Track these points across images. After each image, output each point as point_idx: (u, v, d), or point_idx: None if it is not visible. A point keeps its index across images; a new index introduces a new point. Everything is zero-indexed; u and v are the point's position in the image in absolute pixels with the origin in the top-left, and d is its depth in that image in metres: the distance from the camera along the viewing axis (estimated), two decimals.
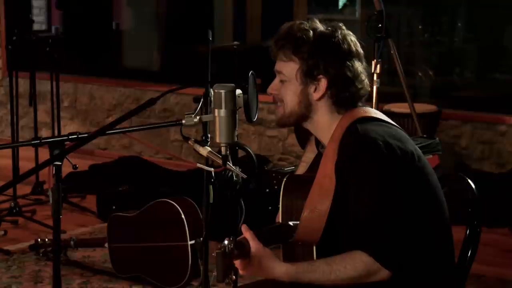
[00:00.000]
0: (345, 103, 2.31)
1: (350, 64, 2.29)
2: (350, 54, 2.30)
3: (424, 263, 2.26)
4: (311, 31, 2.29)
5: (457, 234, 2.43)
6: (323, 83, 2.29)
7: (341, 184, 2.23)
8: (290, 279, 2.21)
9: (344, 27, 2.34)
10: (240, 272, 2.22)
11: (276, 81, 2.36)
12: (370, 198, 2.18)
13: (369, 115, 2.32)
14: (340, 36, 2.29)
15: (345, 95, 2.30)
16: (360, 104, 2.35)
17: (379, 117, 2.34)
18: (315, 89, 2.30)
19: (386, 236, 2.17)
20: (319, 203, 2.24)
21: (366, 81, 2.33)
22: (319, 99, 2.31)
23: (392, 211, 2.18)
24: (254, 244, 2.18)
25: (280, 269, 2.21)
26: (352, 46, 2.31)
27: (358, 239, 2.19)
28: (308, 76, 2.29)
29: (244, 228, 2.21)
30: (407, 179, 2.22)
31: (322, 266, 2.19)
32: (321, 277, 2.19)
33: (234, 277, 2.14)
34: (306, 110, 2.33)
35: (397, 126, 2.36)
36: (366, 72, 2.34)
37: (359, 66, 2.31)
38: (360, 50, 2.33)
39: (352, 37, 2.32)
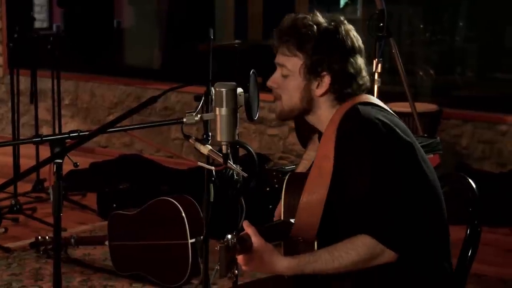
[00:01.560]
0: (347, 98, 2.32)
1: (354, 61, 2.30)
2: (354, 50, 2.30)
3: (426, 245, 2.23)
4: (315, 27, 2.29)
5: (458, 233, 2.43)
6: (327, 79, 2.29)
7: (340, 164, 2.22)
8: (293, 273, 2.21)
9: (346, 21, 2.34)
10: (243, 267, 2.21)
11: (277, 74, 2.35)
12: (369, 177, 2.18)
13: (370, 101, 2.33)
14: (343, 32, 2.30)
15: (347, 91, 2.30)
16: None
17: (381, 105, 2.35)
18: (318, 85, 2.31)
19: (387, 216, 2.16)
20: (317, 186, 2.23)
21: (367, 76, 2.34)
22: (322, 95, 2.31)
23: (392, 190, 2.17)
24: (256, 240, 2.18)
25: (282, 263, 2.20)
26: (355, 42, 2.32)
27: (358, 221, 2.19)
28: (312, 72, 2.29)
29: (246, 224, 2.20)
30: (406, 163, 2.22)
31: (324, 255, 2.19)
32: (324, 266, 2.18)
33: (236, 271, 2.15)
34: (307, 105, 2.33)
35: (398, 117, 2.36)
36: (366, 68, 2.35)
37: (361, 62, 2.32)
38: (362, 45, 2.34)
39: (354, 32, 2.34)
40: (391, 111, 2.36)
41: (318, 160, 2.27)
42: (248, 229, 2.19)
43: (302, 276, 2.23)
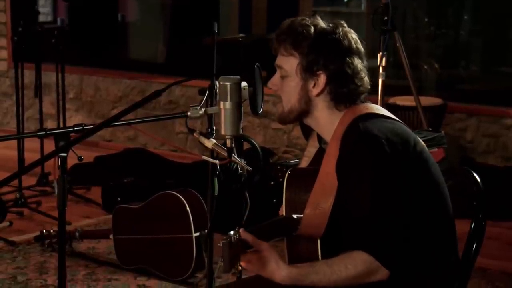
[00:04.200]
0: (344, 100, 2.31)
1: (350, 61, 2.28)
2: (350, 51, 2.29)
3: (426, 260, 2.26)
4: (312, 27, 2.29)
5: (462, 227, 2.43)
6: (322, 79, 2.29)
7: (342, 182, 2.23)
8: (291, 282, 2.20)
9: (345, 25, 2.33)
10: (243, 265, 2.21)
11: (276, 76, 2.36)
12: (370, 196, 2.18)
13: (371, 111, 2.32)
14: (341, 33, 2.29)
15: (343, 91, 2.30)
16: (359, 100, 2.35)
17: (382, 113, 2.34)
18: (314, 85, 2.30)
19: (385, 235, 2.17)
20: (321, 201, 2.24)
21: (366, 78, 2.33)
22: (318, 95, 2.31)
23: (392, 209, 2.18)
24: (259, 245, 2.18)
25: (281, 272, 2.19)
26: (353, 43, 2.30)
27: (358, 237, 2.19)
28: (308, 71, 2.29)
29: (243, 233, 2.16)
30: (408, 176, 2.22)
31: (323, 267, 2.20)
32: (322, 278, 2.19)
33: (240, 267, 2.14)
34: (306, 106, 2.33)
35: (399, 121, 2.36)
36: (367, 70, 2.34)
37: (358, 63, 2.30)
38: (361, 48, 2.33)
39: (353, 35, 2.32)
40: (392, 117, 2.35)
41: (322, 176, 2.27)
42: (248, 237, 2.16)
43: None
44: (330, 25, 2.31)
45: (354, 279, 2.18)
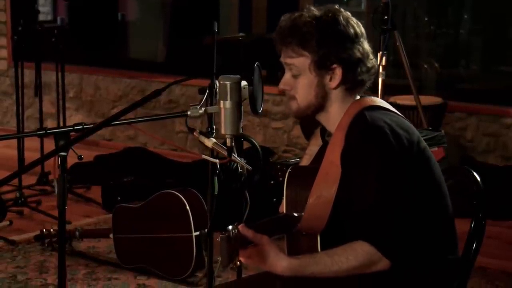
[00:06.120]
0: (360, 85, 2.33)
1: (360, 47, 2.30)
2: (357, 36, 2.30)
3: (427, 256, 2.26)
4: (314, 22, 2.28)
5: (462, 227, 2.43)
6: (338, 71, 2.29)
7: (347, 171, 2.22)
8: (292, 273, 2.20)
9: (342, 9, 2.34)
10: (242, 260, 2.21)
11: (287, 75, 2.34)
12: (374, 187, 2.19)
13: (377, 104, 2.33)
14: (343, 21, 2.29)
15: (360, 77, 2.31)
16: (367, 85, 2.36)
17: (386, 106, 2.35)
18: (331, 79, 2.30)
19: (388, 226, 2.17)
20: (324, 190, 2.24)
21: (374, 58, 2.35)
22: (336, 87, 2.31)
23: (396, 201, 2.18)
24: (259, 240, 2.17)
25: (282, 263, 2.20)
26: (356, 27, 2.31)
27: (360, 228, 2.19)
28: (322, 67, 2.29)
29: (243, 229, 2.17)
30: (412, 169, 2.22)
31: (324, 258, 2.20)
32: (323, 269, 2.19)
33: (238, 262, 2.15)
34: (322, 100, 2.33)
35: (403, 117, 2.37)
36: (372, 50, 2.36)
37: (367, 46, 2.33)
38: (363, 29, 2.34)
39: (353, 19, 2.33)
40: (395, 112, 2.36)
41: (325, 165, 2.27)
42: (248, 233, 2.17)
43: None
44: (329, 14, 2.30)
45: (355, 269, 2.18)
